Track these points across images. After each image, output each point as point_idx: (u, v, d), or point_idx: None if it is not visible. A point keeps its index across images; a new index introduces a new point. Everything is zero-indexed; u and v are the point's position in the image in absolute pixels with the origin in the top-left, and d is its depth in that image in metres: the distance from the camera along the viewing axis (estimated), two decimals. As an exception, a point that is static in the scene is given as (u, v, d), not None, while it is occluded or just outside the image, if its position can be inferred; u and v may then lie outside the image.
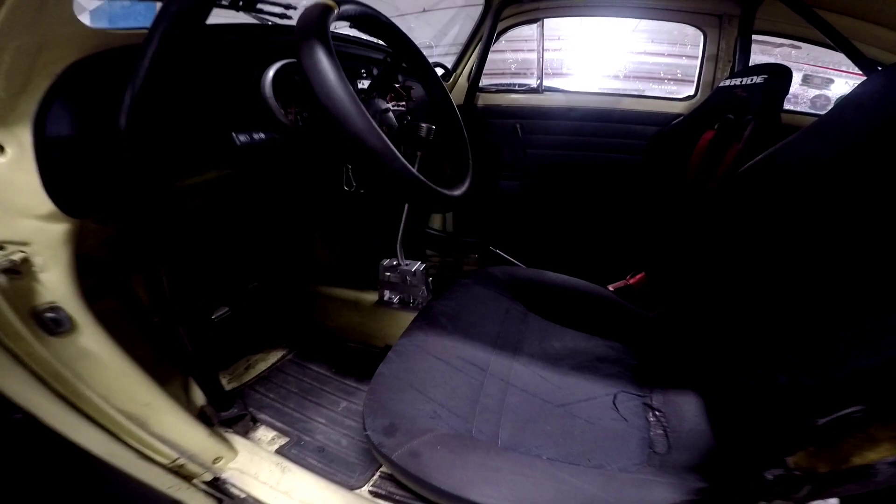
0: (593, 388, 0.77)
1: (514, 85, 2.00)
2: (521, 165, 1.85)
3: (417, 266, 1.22)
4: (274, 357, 1.32)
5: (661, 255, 1.32)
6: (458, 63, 1.82)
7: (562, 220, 1.87)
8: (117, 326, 0.82)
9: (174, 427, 0.77)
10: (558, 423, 0.70)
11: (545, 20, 1.80)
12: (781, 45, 1.61)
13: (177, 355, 0.86)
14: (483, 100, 1.86)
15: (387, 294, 1.28)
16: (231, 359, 1.28)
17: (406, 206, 1.25)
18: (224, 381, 1.22)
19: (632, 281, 1.33)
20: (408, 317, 1.27)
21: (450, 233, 1.92)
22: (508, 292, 0.98)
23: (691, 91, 1.72)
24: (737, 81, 1.30)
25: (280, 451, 1.00)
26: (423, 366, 0.76)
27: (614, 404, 0.75)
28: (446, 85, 1.38)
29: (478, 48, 1.76)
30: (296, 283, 1.42)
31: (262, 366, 1.28)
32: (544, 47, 1.88)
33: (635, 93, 2.10)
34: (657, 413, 0.72)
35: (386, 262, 1.24)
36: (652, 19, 1.82)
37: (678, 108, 1.70)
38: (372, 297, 1.32)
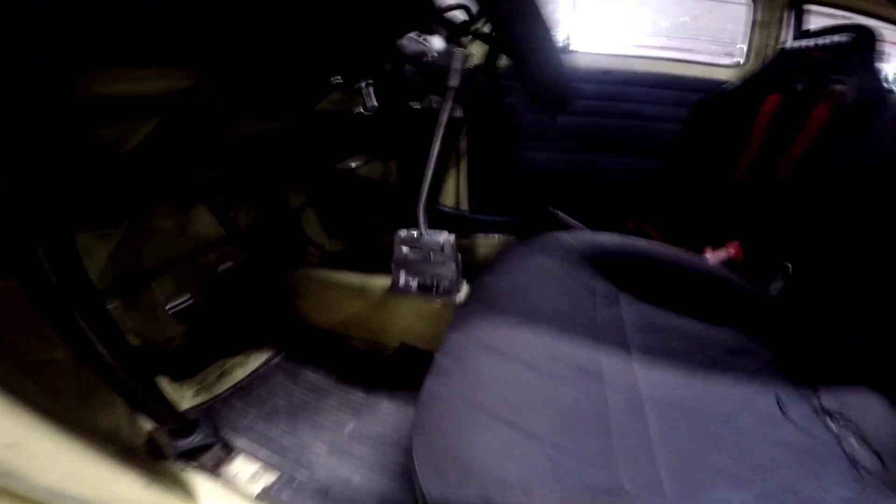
0: (745, 391, 0.54)
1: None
2: (549, 133, 1.61)
3: (445, 237, 0.92)
4: (256, 361, 1.04)
5: (766, 224, 1.13)
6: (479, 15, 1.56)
7: (600, 192, 1.65)
8: (10, 321, 0.53)
9: (78, 473, 0.48)
10: (732, 448, 0.46)
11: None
12: (832, 15, 1.50)
13: (88, 361, 0.56)
14: (505, 58, 1.61)
15: (402, 277, 0.98)
16: (198, 364, 1.00)
17: (433, 156, 0.97)
18: (189, 394, 0.94)
19: (732, 252, 1.11)
20: (430, 307, 1.01)
21: (464, 211, 1.65)
22: (588, 264, 0.70)
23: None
24: (809, 43, 1.20)
25: (265, 495, 0.72)
26: (502, 377, 0.47)
27: (782, 411, 0.51)
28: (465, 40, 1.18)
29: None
30: (282, 265, 1.12)
31: (240, 373, 1.00)
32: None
33: (678, 56, 1.91)
34: (840, 418, 0.51)
35: (403, 233, 0.95)
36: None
37: (725, 74, 1.53)
38: (382, 281, 1.05)
